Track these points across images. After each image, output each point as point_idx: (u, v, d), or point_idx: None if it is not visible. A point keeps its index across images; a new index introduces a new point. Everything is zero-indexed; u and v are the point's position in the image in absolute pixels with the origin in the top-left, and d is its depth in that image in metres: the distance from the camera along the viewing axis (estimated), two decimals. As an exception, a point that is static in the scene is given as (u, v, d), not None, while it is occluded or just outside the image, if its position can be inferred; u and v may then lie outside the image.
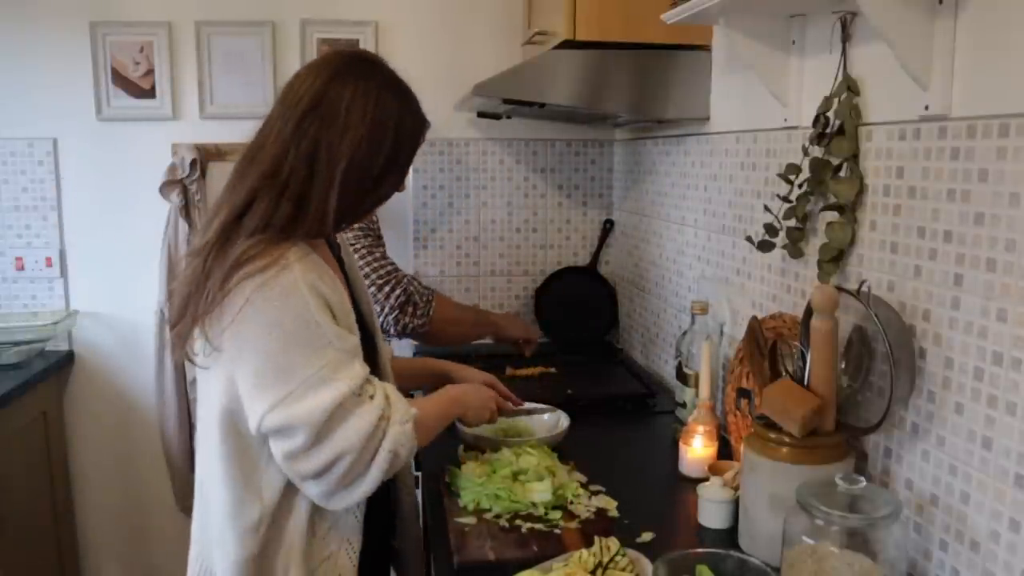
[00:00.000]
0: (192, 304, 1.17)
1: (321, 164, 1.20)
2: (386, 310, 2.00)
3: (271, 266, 1.15)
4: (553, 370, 2.30)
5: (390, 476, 1.22)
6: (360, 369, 1.19)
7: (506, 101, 2.01)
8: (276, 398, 1.13)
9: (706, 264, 2.00)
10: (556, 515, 1.39)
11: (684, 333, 1.85)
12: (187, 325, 1.18)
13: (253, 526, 1.20)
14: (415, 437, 1.22)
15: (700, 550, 1.18)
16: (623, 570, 1.17)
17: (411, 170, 2.63)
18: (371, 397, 1.19)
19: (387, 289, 2.01)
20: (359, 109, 1.21)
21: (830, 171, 1.38)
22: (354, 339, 1.22)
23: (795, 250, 1.51)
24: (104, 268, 2.66)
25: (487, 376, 1.70)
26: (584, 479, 1.54)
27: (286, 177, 1.19)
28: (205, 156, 2.58)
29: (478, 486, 1.46)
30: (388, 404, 1.21)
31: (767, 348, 1.39)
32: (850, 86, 1.34)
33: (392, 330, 2.04)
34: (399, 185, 1.32)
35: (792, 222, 1.49)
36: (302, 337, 1.14)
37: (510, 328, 2.30)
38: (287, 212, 1.19)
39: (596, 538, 1.22)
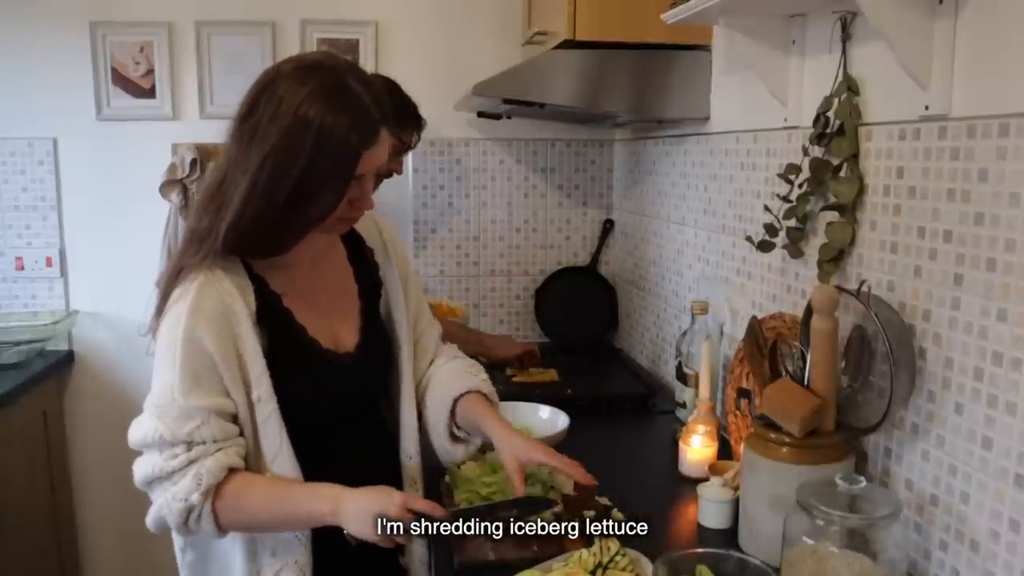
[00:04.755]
0: (159, 296, 1.24)
1: (239, 172, 1.16)
2: None
3: (178, 295, 1.20)
4: (554, 371, 2.30)
5: (176, 532, 1.24)
6: (183, 431, 1.16)
7: (506, 101, 2.01)
8: (145, 402, 1.22)
9: (706, 264, 2.00)
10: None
11: (684, 333, 1.85)
12: (151, 320, 1.24)
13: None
14: (183, 517, 1.17)
15: (700, 550, 1.18)
16: (623, 570, 1.17)
17: (411, 170, 2.68)
18: (174, 457, 1.17)
19: None
20: (282, 114, 1.13)
21: (830, 171, 1.38)
22: (203, 402, 1.17)
23: (795, 250, 1.51)
24: (104, 268, 2.66)
25: (530, 455, 1.30)
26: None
27: (216, 187, 1.20)
28: (205, 156, 2.57)
29: (473, 485, 1.46)
30: (180, 474, 1.17)
31: (767, 348, 1.39)
32: (850, 86, 1.34)
33: None
34: (337, 202, 1.18)
35: (792, 222, 1.49)
36: (160, 368, 1.19)
37: (498, 349, 2.27)
38: (205, 224, 1.20)
39: (596, 538, 1.22)
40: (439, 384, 1.45)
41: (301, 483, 1.22)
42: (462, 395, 1.40)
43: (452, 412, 1.40)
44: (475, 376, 1.45)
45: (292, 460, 1.23)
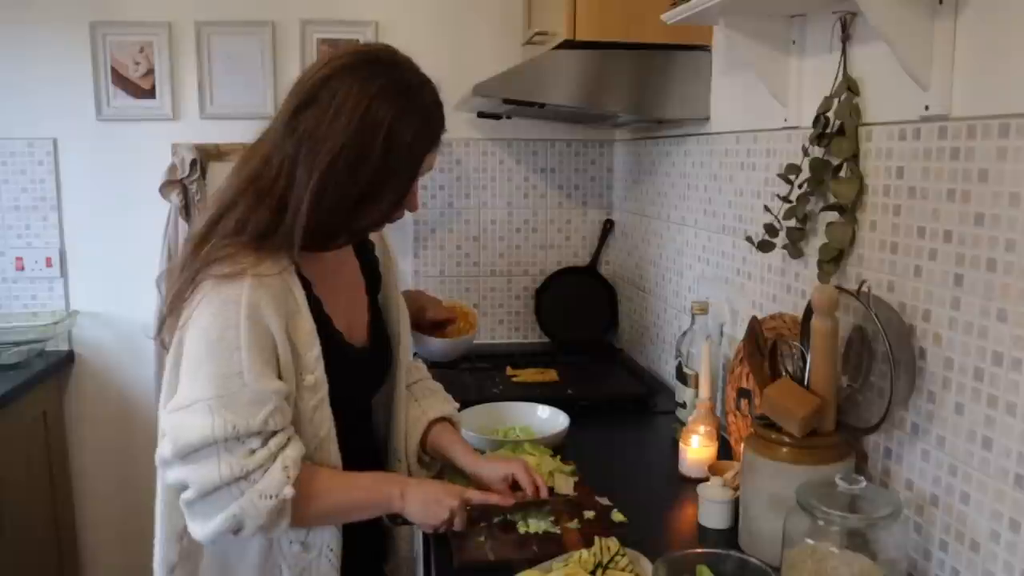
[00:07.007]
0: (171, 292, 1.15)
1: (302, 170, 1.11)
2: None
3: (230, 273, 1.10)
4: (554, 371, 2.30)
5: (243, 536, 1.12)
6: (258, 418, 1.08)
7: (506, 101, 2.02)
8: (174, 403, 1.11)
9: (706, 264, 2.00)
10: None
11: (684, 333, 1.85)
12: (164, 311, 1.16)
13: (178, 534, 1.19)
14: (271, 516, 1.10)
15: (700, 550, 1.18)
16: (623, 570, 1.17)
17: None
18: (251, 452, 1.09)
19: None
20: (348, 112, 1.11)
21: (830, 171, 1.38)
22: (274, 385, 1.11)
23: (795, 250, 1.51)
24: (104, 268, 2.66)
25: (509, 468, 1.37)
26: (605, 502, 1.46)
27: (270, 180, 1.13)
28: (205, 156, 2.58)
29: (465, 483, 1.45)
30: (263, 470, 1.09)
31: (767, 348, 1.39)
32: (850, 86, 1.34)
33: None
34: (399, 203, 1.20)
35: (792, 222, 1.49)
36: (217, 354, 1.09)
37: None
38: (263, 219, 1.12)
39: (596, 538, 1.22)
40: (414, 403, 1.45)
41: (359, 471, 1.23)
42: (435, 421, 1.43)
43: (424, 436, 1.42)
44: (447, 402, 1.49)
45: (336, 447, 1.20)
